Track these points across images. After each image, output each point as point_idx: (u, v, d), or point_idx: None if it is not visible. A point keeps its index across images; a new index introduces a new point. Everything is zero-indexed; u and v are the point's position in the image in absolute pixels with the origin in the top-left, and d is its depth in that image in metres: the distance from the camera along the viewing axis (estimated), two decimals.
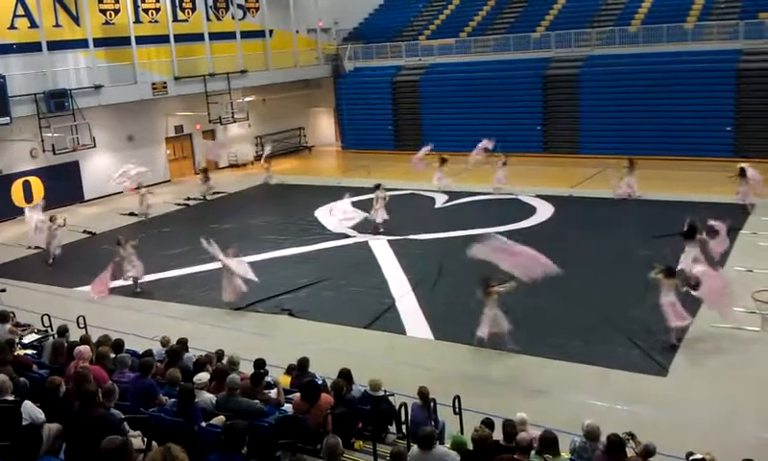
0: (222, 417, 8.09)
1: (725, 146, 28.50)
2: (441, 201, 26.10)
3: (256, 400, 8.73)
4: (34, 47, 27.72)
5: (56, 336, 11.69)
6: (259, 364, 10.15)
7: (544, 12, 36.61)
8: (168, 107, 33.17)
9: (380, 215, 22.11)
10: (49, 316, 14.17)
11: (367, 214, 22.55)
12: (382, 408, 9.27)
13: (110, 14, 30.89)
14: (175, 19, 33.27)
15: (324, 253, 20.88)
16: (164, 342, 11.63)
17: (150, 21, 32.55)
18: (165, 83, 31.97)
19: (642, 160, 28.52)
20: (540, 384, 12.17)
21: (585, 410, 10.16)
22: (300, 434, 8.36)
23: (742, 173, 21.75)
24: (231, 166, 36.38)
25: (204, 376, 9.20)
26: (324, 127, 42.17)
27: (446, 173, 26.59)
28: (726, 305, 13.34)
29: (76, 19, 29.54)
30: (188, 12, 34.30)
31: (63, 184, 29.19)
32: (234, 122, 35.19)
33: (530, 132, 33.13)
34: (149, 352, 10.61)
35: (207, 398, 8.78)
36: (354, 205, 24.21)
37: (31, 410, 7.17)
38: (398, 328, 15.12)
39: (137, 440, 7.48)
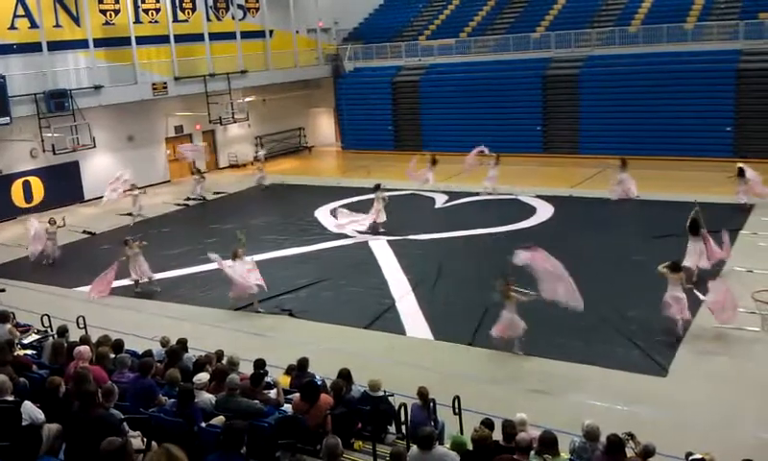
0: (221, 417, 8.09)
1: (725, 146, 28.50)
2: (441, 201, 26.10)
3: (256, 401, 8.73)
4: (34, 47, 27.73)
5: (55, 336, 11.69)
6: (259, 364, 10.16)
7: (544, 12, 36.61)
8: (168, 107, 33.17)
9: (380, 216, 22.11)
10: (49, 316, 14.17)
11: (368, 215, 22.46)
12: (382, 408, 9.27)
13: (110, 15, 30.90)
14: (175, 19, 33.27)
15: (323, 253, 20.88)
16: (164, 342, 11.63)
17: (150, 21, 32.55)
18: (165, 83, 31.98)
19: (642, 161, 28.59)
20: (540, 384, 12.17)
21: (584, 410, 10.16)
22: (300, 434, 8.36)
23: (741, 173, 21.81)
24: (231, 166, 36.41)
25: (203, 377, 9.20)
26: (324, 127, 42.18)
27: (436, 172, 26.61)
28: (731, 317, 13.46)
29: (76, 19, 29.55)
30: (188, 13, 34.31)
31: (63, 185, 29.20)
32: (234, 122, 35.20)
33: (530, 132, 33.15)
34: (148, 353, 10.61)
35: (207, 398, 8.79)
36: (353, 205, 24.29)
37: (31, 410, 7.17)
38: (398, 329, 15.12)
39: (137, 440, 7.50)
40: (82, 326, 13.77)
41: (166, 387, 9.11)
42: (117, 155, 31.30)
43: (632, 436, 7.85)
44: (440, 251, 20.24)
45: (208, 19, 34.72)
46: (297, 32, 38.97)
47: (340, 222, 22.65)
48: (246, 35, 36.44)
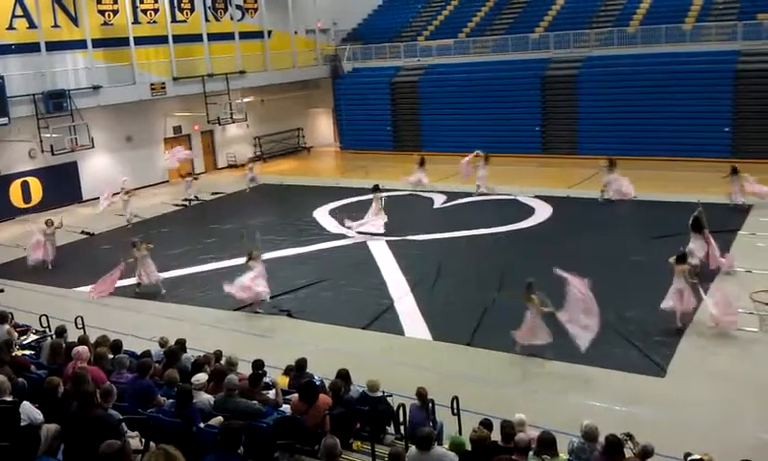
0: (220, 418, 8.08)
1: (723, 147, 28.53)
2: (439, 201, 26.11)
3: (254, 401, 8.73)
4: (32, 48, 27.71)
5: (54, 337, 11.68)
6: (257, 365, 10.15)
7: (543, 12, 36.64)
8: (166, 107, 33.16)
9: (374, 216, 22.11)
10: (47, 316, 14.17)
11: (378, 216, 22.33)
12: (380, 409, 9.27)
13: (109, 15, 30.88)
14: (173, 20, 33.26)
15: (322, 253, 20.88)
16: (162, 343, 11.62)
17: (148, 22, 32.53)
18: (164, 83, 31.97)
19: (641, 161, 28.66)
20: (539, 385, 12.18)
21: (583, 411, 10.16)
22: (299, 435, 8.36)
23: (734, 172, 21.95)
24: (230, 167, 36.40)
25: (202, 377, 9.20)
26: (323, 127, 42.18)
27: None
28: (731, 323, 13.53)
29: (74, 20, 29.53)
30: (187, 13, 34.29)
31: (62, 185, 29.18)
32: (233, 123, 35.20)
33: (529, 132, 33.16)
34: (147, 353, 10.61)
35: (206, 398, 8.78)
36: (352, 206, 24.31)
37: (29, 411, 7.17)
38: (397, 329, 15.11)
39: (135, 441, 7.49)
40: (80, 326, 13.78)
41: (165, 387, 9.10)
42: (116, 155, 31.31)
43: (630, 436, 7.85)
44: (439, 251, 20.24)
45: (207, 20, 34.71)
46: (295, 32, 38.98)
47: (354, 227, 22.30)
48: (244, 35, 36.45)
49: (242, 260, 20.09)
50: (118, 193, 25.54)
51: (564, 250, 19.47)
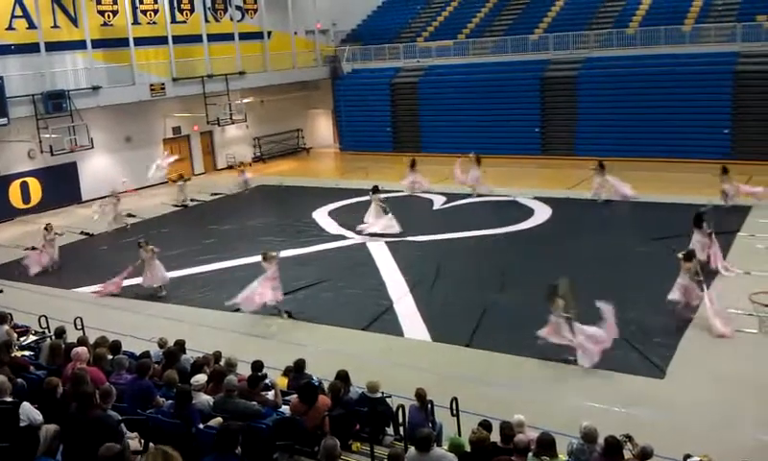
0: (219, 418, 8.08)
1: (723, 148, 28.53)
2: (439, 202, 26.11)
3: (254, 402, 8.73)
4: (32, 48, 27.72)
5: (53, 337, 11.67)
6: (257, 366, 10.13)
7: (542, 14, 36.66)
8: (166, 108, 33.16)
9: (374, 217, 22.09)
10: (46, 317, 14.17)
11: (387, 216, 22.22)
12: (379, 410, 9.26)
13: (109, 16, 30.88)
14: (173, 21, 33.27)
15: (321, 254, 20.87)
16: (161, 343, 11.61)
17: (148, 22, 32.54)
18: (163, 84, 31.97)
19: (640, 162, 28.69)
20: (538, 386, 12.18)
21: (582, 412, 10.16)
22: (298, 436, 8.36)
23: (725, 171, 22.10)
24: (230, 167, 36.37)
25: (201, 378, 9.20)
26: (323, 128, 42.18)
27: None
28: (732, 332, 13.60)
29: (74, 20, 29.53)
30: (186, 14, 34.30)
31: (61, 185, 29.16)
32: (232, 123, 35.20)
33: (528, 133, 33.16)
34: (146, 354, 10.60)
35: (205, 399, 8.78)
36: (352, 207, 24.31)
37: (29, 411, 7.17)
38: (396, 330, 15.10)
39: (134, 441, 7.49)
40: (79, 327, 13.77)
41: (164, 388, 9.10)
42: (115, 156, 31.31)
43: (630, 438, 7.85)
44: (438, 252, 20.24)
45: (206, 20, 34.71)
46: (295, 33, 38.99)
47: (368, 230, 22.16)
48: (244, 36, 36.46)
49: (242, 261, 20.29)
50: (107, 196, 25.34)
51: (563, 251, 19.51)
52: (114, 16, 31.00)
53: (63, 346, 10.39)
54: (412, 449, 7.44)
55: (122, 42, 30.71)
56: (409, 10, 42.00)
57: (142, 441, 7.55)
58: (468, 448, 7.60)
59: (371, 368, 11.75)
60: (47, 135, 27.25)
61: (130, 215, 26.54)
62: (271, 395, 9.29)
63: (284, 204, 28.70)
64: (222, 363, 10.27)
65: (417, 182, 27.13)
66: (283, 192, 30.40)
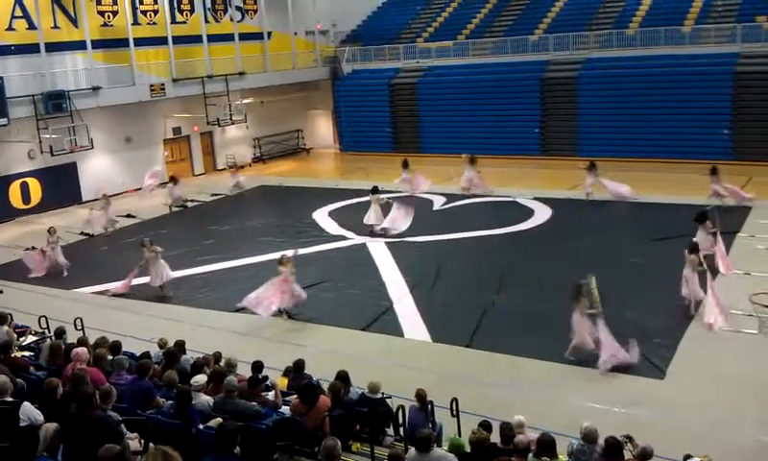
0: (219, 419, 8.08)
1: (723, 149, 28.53)
2: (439, 203, 26.11)
3: (254, 403, 8.73)
4: (32, 48, 27.71)
5: (53, 338, 11.67)
6: (257, 366, 10.14)
7: (542, 14, 36.66)
8: (166, 108, 33.16)
9: (375, 217, 22.08)
10: (46, 318, 14.17)
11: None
12: (380, 410, 9.27)
13: (109, 16, 30.89)
14: (173, 21, 33.27)
15: (321, 255, 20.86)
16: (161, 344, 11.61)
17: (148, 23, 32.54)
18: (163, 84, 31.96)
19: (640, 163, 28.70)
20: (538, 387, 12.17)
21: (582, 413, 10.17)
22: (298, 436, 8.36)
23: (714, 172, 22.15)
24: (230, 168, 36.33)
25: (201, 378, 9.20)
26: (322, 129, 42.18)
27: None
28: (719, 316, 13.71)
29: (74, 21, 29.54)
30: (186, 14, 34.31)
31: (61, 186, 29.15)
32: (232, 124, 35.18)
33: (528, 134, 33.16)
34: (146, 354, 10.59)
35: (205, 400, 8.78)
36: (352, 207, 24.30)
37: (30, 411, 7.16)
38: (396, 331, 15.10)
39: (135, 442, 7.49)
40: (79, 327, 13.76)
41: (164, 389, 9.10)
42: (115, 156, 31.31)
43: (630, 438, 7.86)
44: (438, 252, 20.24)
45: (206, 21, 34.71)
46: (295, 34, 38.98)
47: (381, 225, 22.12)
48: (244, 36, 36.45)
49: (242, 261, 20.32)
50: (97, 200, 25.21)
51: (563, 251, 19.52)
52: (114, 17, 31.01)
53: (63, 346, 10.39)
54: (412, 450, 7.44)
55: (122, 43, 30.71)
56: (409, 10, 42.00)
57: (142, 441, 7.55)
58: (468, 449, 7.60)
59: (371, 368, 11.76)
60: (47, 136, 27.24)
61: (129, 216, 26.56)
62: (271, 395, 9.29)
63: (284, 204, 28.71)
64: (222, 364, 10.27)
65: (408, 181, 27.01)
66: (283, 193, 30.41)
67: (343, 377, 9.49)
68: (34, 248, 20.70)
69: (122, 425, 7.33)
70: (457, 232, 22.13)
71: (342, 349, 14.12)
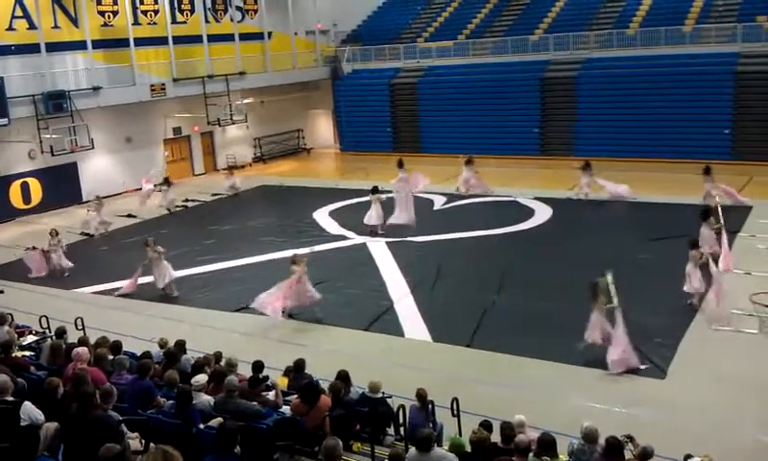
0: (220, 419, 8.08)
1: (723, 149, 28.53)
2: (439, 202, 26.12)
3: (254, 403, 8.73)
4: (32, 48, 27.72)
5: (54, 338, 11.68)
6: (257, 366, 10.14)
7: (542, 14, 36.66)
8: (166, 108, 33.17)
9: (376, 217, 22.09)
10: (47, 317, 14.17)
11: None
12: (380, 410, 9.27)
13: (109, 16, 30.89)
14: (173, 21, 33.27)
15: (322, 255, 20.79)
16: (162, 344, 11.61)
17: (148, 23, 32.54)
18: (163, 84, 31.97)
19: (640, 163, 28.69)
20: (539, 386, 12.17)
21: (583, 412, 10.16)
22: (298, 436, 8.36)
23: (707, 172, 22.15)
24: (230, 168, 36.34)
25: (202, 378, 9.20)
26: (323, 129, 42.18)
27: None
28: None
29: (74, 21, 29.54)
30: (187, 14, 34.31)
31: (61, 186, 29.15)
32: (233, 124, 35.19)
33: (528, 134, 33.16)
34: (147, 354, 10.60)
35: (205, 399, 8.79)
36: (352, 207, 24.28)
37: (30, 411, 7.16)
38: (397, 330, 15.10)
39: (135, 442, 7.49)
40: (80, 327, 13.77)
41: (164, 389, 9.10)
42: (115, 156, 31.33)
43: (631, 438, 7.85)
44: (438, 252, 20.24)
45: (207, 21, 34.71)
46: (295, 34, 38.98)
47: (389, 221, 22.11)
48: (244, 36, 36.45)
49: (243, 261, 20.32)
50: (91, 201, 25.09)
51: (563, 251, 19.53)
52: (115, 17, 31.01)
53: (64, 346, 10.39)
54: (412, 450, 7.44)
55: (122, 43, 30.71)
56: (409, 10, 42.00)
57: (143, 441, 7.55)
58: (468, 449, 7.60)
59: (371, 368, 11.75)
60: (47, 136, 27.24)
61: (130, 216, 26.56)
62: (271, 395, 9.29)
63: (285, 204, 28.72)
64: (222, 363, 10.27)
65: (405, 180, 26.95)
66: (284, 192, 30.41)
67: (343, 377, 9.49)
68: (34, 248, 20.66)
69: (122, 425, 7.33)
70: (457, 232, 22.13)
71: (342, 348, 14.12)
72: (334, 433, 7.90)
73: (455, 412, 9.92)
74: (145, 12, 32.38)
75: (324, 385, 9.57)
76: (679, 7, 32.91)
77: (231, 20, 36.18)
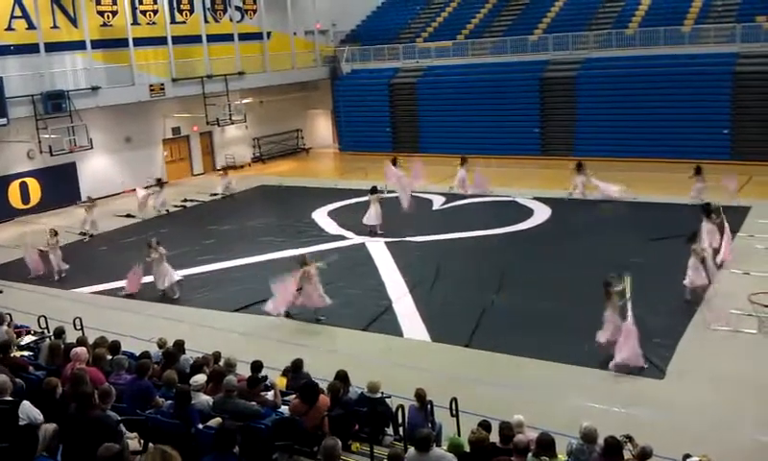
0: (219, 419, 8.07)
1: (722, 149, 28.54)
2: (438, 202, 26.12)
3: (253, 403, 8.72)
4: (31, 48, 27.70)
5: (52, 338, 11.66)
6: (256, 366, 10.13)
7: (542, 14, 36.66)
8: (165, 108, 33.16)
9: (375, 217, 22.08)
10: (46, 317, 14.17)
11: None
12: (379, 410, 9.26)
13: (108, 16, 30.88)
14: (172, 21, 33.26)
15: (321, 254, 20.80)
16: (161, 344, 11.61)
17: (147, 23, 32.53)
18: (163, 84, 31.95)
19: (640, 163, 28.70)
20: (538, 386, 12.17)
21: (582, 412, 10.15)
22: (297, 436, 8.36)
23: (698, 171, 22.32)
24: (229, 168, 36.33)
25: (200, 378, 9.19)
26: (322, 129, 42.18)
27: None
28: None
29: (73, 21, 29.53)
30: (186, 14, 34.30)
31: (60, 186, 29.13)
32: (232, 124, 35.17)
33: (527, 134, 33.16)
34: (146, 354, 10.59)
35: (204, 399, 8.78)
36: (351, 207, 24.27)
37: (29, 410, 7.15)
38: (396, 330, 15.10)
39: (134, 442, 7.48)
40: (79, 327, 13.76)
41: (163, 389, 9.09)
42: (114, 156, 31.32)
43: (630, 438, 7.85)
44: (438, 252, 20.24)
45: (206, 21, 34.70)
46: (294, 34, 38.98)
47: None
48: (243, 36, 36.45)
49: (242, 261, 20.31)
50: (84, 202, 25.00)
51: (562, 251, 19.54)
52: (114, 17, 31.00)
53: (63, 346, 10.38)
54: (411, 450, 7.44)
55: (121, 43, 30.70)
56: (408, 10, 41.99)
57: (141, 441, 7.54)
58: (467, 449, 7.60)
59: (370, 368, 11.75)
60: (46, 136, 27.21)
61: (129, 215, 26.55)
62: (270, 395, 9.28)
63: (284, 204, 28.71)
64: (221, 363, 10.27)
65: (401, 177, 26.93)
66: (283, 192, 30.40)
67: (342, 377, 9.49)
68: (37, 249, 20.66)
69: (121, 425, 7.32)
70: (456, 232, 22.13)
71: (341, 348, 14.12)
72: (333, 433, 7.90)
73: (454, 412, 9.92)
74: (144, 12, 32.37)
75: (323, 385, 9.57)
76: (678, 7, 32.92)
77: (231, 20, 36.17)
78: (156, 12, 32.76)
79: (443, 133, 34.78)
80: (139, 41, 31.51)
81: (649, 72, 30.55)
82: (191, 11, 34.39)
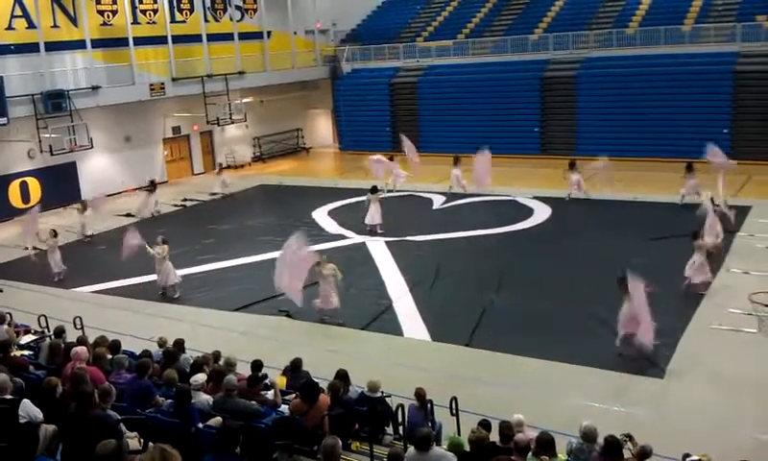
0: (219, 418, 8.08)
1: (722, 148, 28.33)
2: (439, 202, 26.12)
3: (253, 402, 8.73)
4: (31, 48, 27.70)
5: (53, 337, 11.67)
6: (256, 365, 10.14)
7: (542, 13, 36.66)
8: (165, 108, 33.15)
9: (376, 217, 22.08)
10: (46, 317, 14.17)
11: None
12: (379, 409, 9.27)
13: (108, 15, 30.87)
14: (173, 20, 33.25)
15: (321, 254, 20.79)
16: (161, 343, 11.62)
17: (147, 22, 32.53)
18: (163, 84, 31.95)
19: (640, 162, 28.68)
20: (537, 385, 12.17)
21: (582, 411, 10.16)
22: (297, 435, 8.36)
23: (689, 168, 22.48)
24: (229, 167, 36.35)
25: (200, 377, 9.20)
26: (322, 128, 42.18)
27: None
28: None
29: (74, 20, 29.53)
30: (186, 14, 34.29)
31: (61, 185, 29.12)
32: (232, 123, 35.16)
33: (527, 133, 33.17)
34: (147, 353, 10.60)
35: (204, 399, 8.78)
36: (351, 206, 24.25)
37: (29, 408, 7.15)
38: (396, 330, 15.11)
39: (134, 441, 7.49)
40: (79, 326, 13.77)
41: (163, 388, 9.10)
42: (115, 155, 31.31)
43: (629, 437, 7.85)
44: (438, 252, 20.24)
45: (206, 20, 34.69)
46: (295, 33, 38.97)
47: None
48: (243, 36, 36.44)
49: (242, 260, 20.32)
50: (79, 203, 24.92)
51: (562, 250, 19.55)
52: (114, 16, 30.99)
53: (63, 345, 10.38)
54: (411, 449, 7.44)
55: (121, 42, 30.69)
56: (409, 10, 41.99)
57: (142, 440, 7.55)
58: (467, 448, 7.60)
59: (370, 367, 11.74)
60: (47, 135, 27.23)
61: (129, 215, 26.53)
62: (270, 394, 9.29)
63: (284, 203, 28.71)
64: (221, 362, 10.27)
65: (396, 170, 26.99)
66: (283, 192, 30.41)
67: (342, 376, 9.49)
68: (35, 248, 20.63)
69: (121, 424, 7.33)
70: (456, 232, 22.14)
71: (341, 348, 14.12)
72: (333, 432, 7.90)
73: (454, 411, 9.92)
74: (144, 12, 32.35)
75: (323, 384, 9.58)
76: (678, 6, 32.91)
77: (231, 19, 36.16)
78: (156, 11, 32.75)
79: (443, 133, 34.76)
80: (139, 41, 31.51)
81: (649, 71, 30.55)
82: (191, 10, 34.37)
